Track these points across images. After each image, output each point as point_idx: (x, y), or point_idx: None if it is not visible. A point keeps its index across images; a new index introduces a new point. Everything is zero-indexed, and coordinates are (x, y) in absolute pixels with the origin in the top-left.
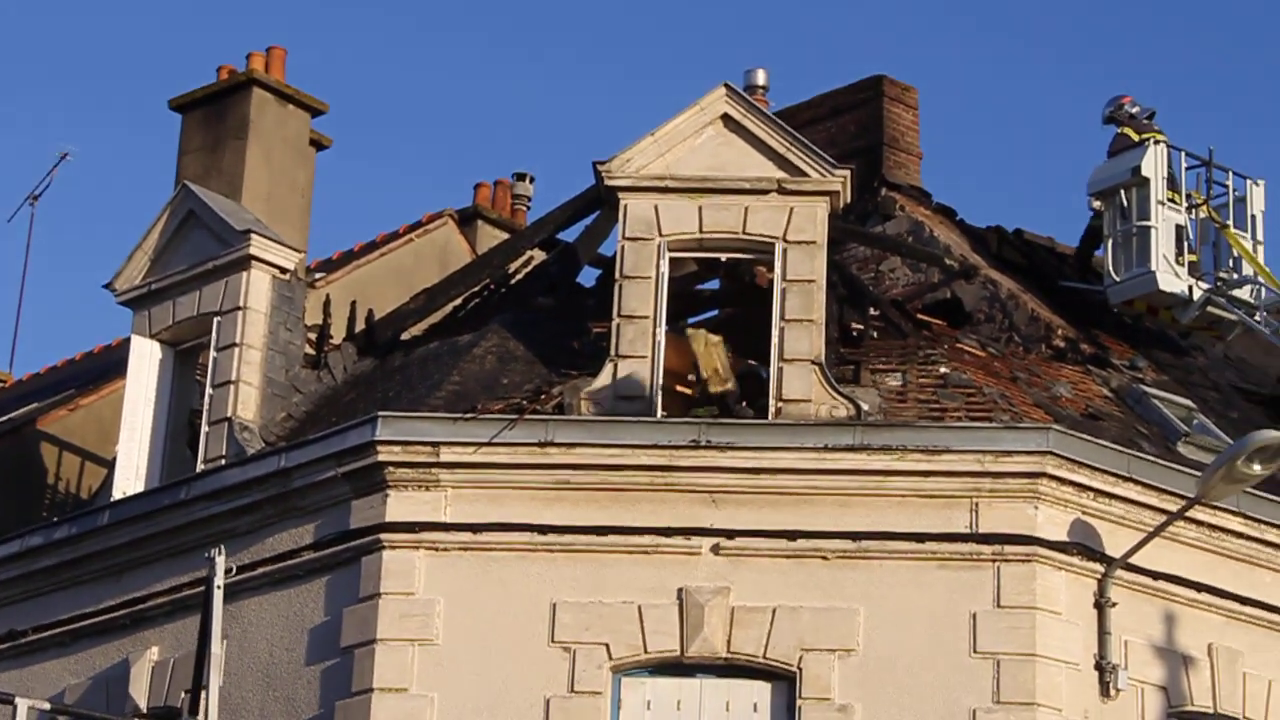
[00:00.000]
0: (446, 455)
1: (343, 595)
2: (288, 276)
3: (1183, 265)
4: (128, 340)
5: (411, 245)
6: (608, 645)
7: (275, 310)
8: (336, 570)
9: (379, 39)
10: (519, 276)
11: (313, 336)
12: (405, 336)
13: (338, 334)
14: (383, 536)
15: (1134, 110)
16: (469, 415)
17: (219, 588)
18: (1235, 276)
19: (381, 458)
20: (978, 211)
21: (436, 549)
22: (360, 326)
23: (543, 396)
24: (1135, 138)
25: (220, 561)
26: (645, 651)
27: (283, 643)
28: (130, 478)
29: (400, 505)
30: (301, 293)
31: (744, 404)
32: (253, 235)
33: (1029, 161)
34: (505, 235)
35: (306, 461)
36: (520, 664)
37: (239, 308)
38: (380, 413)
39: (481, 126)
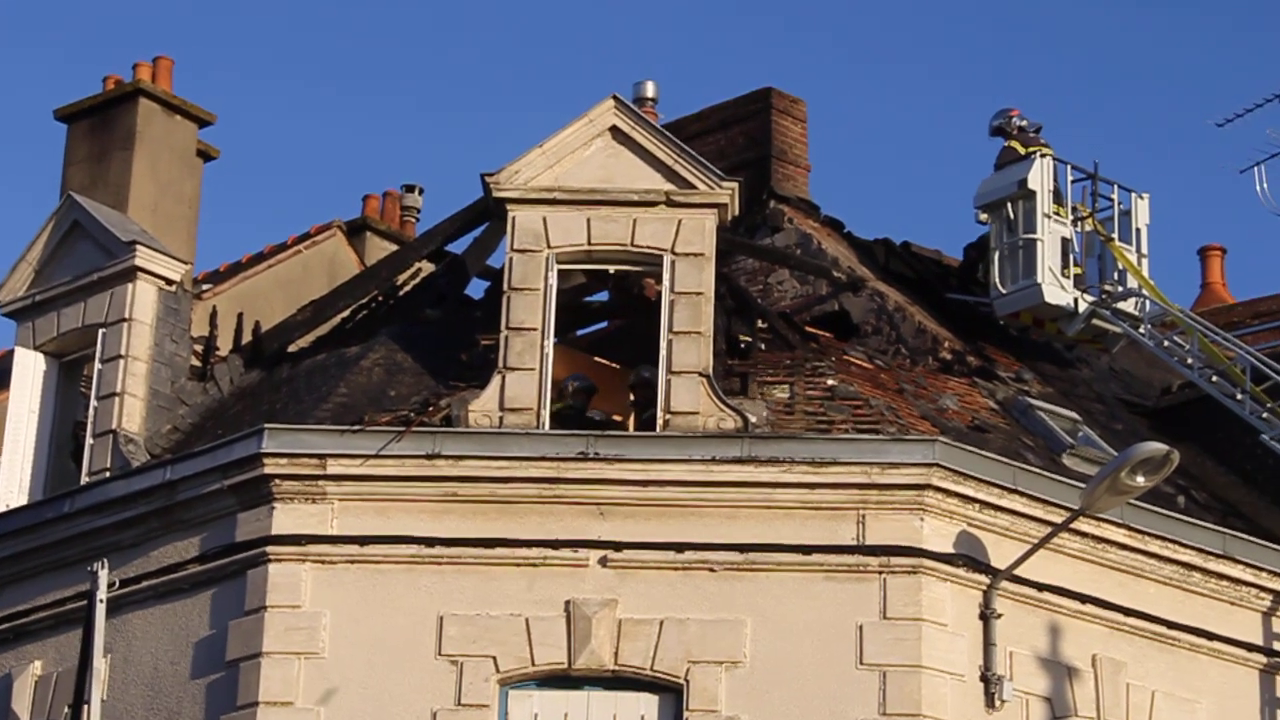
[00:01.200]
0: (333, 468)
1: (228, 608)
2: (174, 288)
3: (1068, 278)
4: (11, 352)
5: (299, 257)
6: (495, 658)
7: (161, 322)
8: (222, 583)
9: (267, 49)
10: (407, 288)
11: (199, 348)
12: (292, 348)
13: (224, 346)
14: (269, 549)
15: (1021, 123)
16: (356, 428)
17: (101, 601)
18: (1120, 289)
19: (268, 470)
20: (866, 224)
21: (323, 562)
22: (247, 338)
23: (430, 409)
24: (1021, 151)
25: (103, 575)
26: (532, 664)
27: (167, 656)
28: (13, 490)
29: (286, 518)
30: (188, 304)
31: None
32: (138, 246)
33: (917, 174)
34: (394, 247)
35: (192, 474)
36: (407, 677)
37: (124, 319)
38: (266, 425)
39: (370, 138)
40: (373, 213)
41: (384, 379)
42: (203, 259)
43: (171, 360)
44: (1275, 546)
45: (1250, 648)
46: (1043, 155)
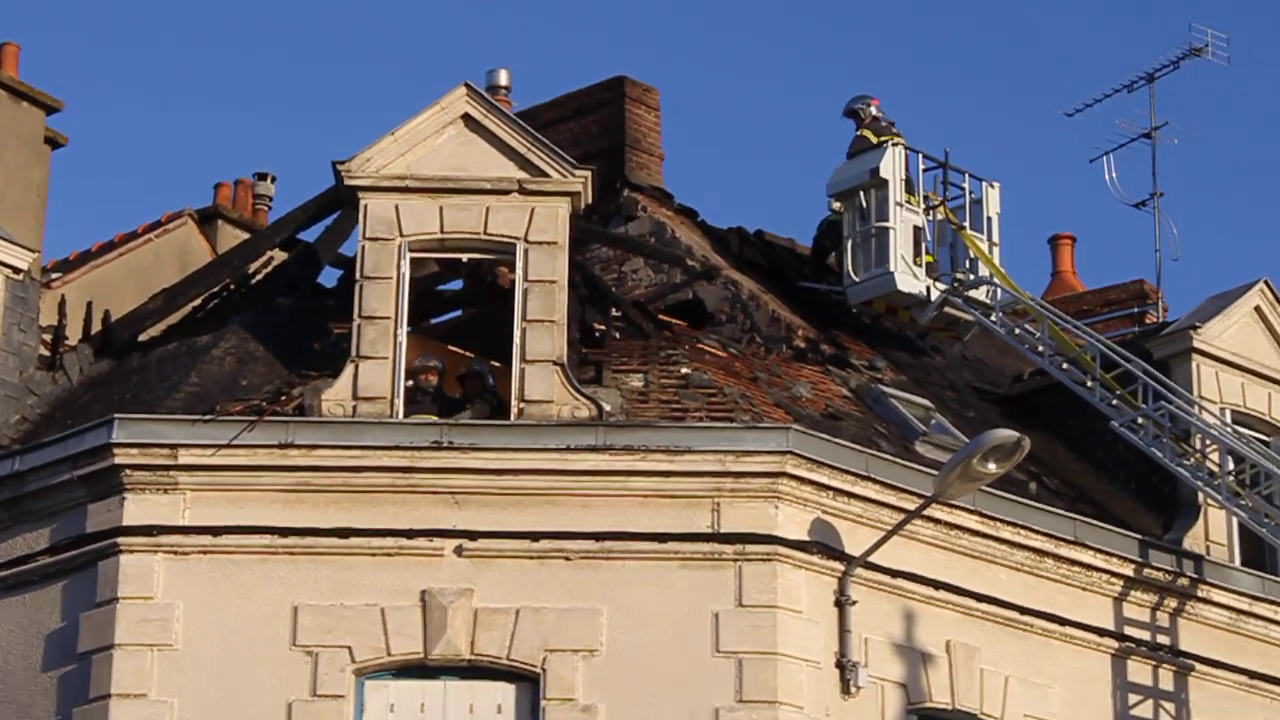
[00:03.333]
0: (185, 458)
1: (80, 600)
2: (21, 276)
3: (920, 266)
4: None
5: (151, 245)
6: (350, 648)
7: (9, 311)
8: (73, 575)
9: (117, 35)
10: (259, 277)
11: (48, 338)
12: (143, 337)
13: (74, 335)
14: (120, 540)
15: (877, 114)
16: (208, 417)
17: None
18: (971, 277)
19: (118, 460)
20: (719, 213)
21: (175, 552)
22: (97, 327)
23: (283, 398)
24: (874, 140)
25: None
26: (388, 654)
27: (17, 649)
28: None
29: (138, 508)
30: (36, 293)
31: (469, 404)
32: None
33: (770, 163)
34: (246, 235)
35: (41, 465)
36: (262, 668)
37: None
38: (117, 415)
39: (223, 126)
40: (225, 201)
41: (236, 368)
42: (52, 247)
43: (19, 350)
44: (1125, 532)
45: (1102, 632)
46: (895, 144)
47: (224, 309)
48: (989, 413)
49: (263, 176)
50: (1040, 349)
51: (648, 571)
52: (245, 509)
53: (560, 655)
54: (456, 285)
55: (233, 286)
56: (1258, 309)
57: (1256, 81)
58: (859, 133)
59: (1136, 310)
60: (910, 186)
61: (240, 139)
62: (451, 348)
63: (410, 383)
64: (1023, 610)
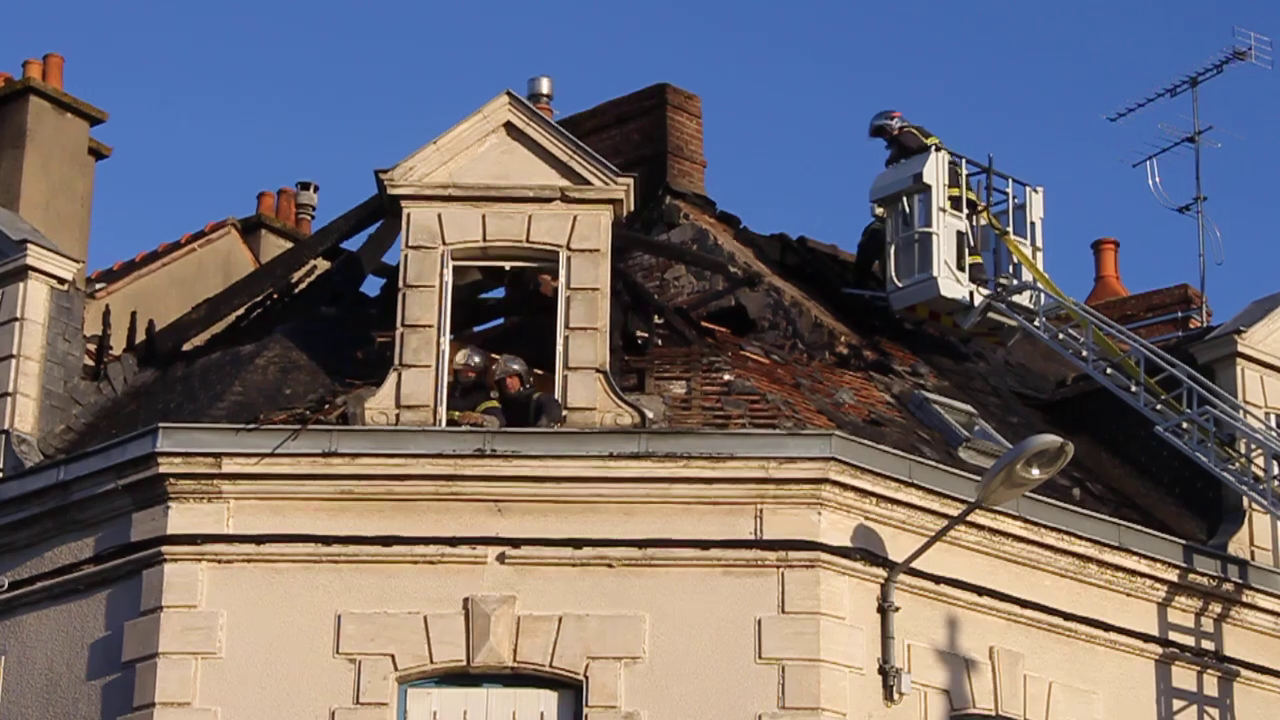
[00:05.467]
0: (229, 466)
1: (124, 609)
2: (66, 287)
3: (964, 271)
4: None
5: (194, 255)
6: (393, 656)
7: (53, 321)
8: (117, 583)
9: (160, 46)
10: (302, 286)
11: (92, 348)
12: (187, 347)
13: (118, 345)
14: (164, 549)
15: (903, 124)
16: (251, 426)
17: None
18: (1015, 282)
19: (162, 469)
20: (761, 219)
21: (219, 561)
22: (141, 337)
23: (326, 407)
24: (922, 136)
25: None
26: (431, 662)
27: (63, 658)
28: None
29: (182, 517)
30: (80, 303)
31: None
32: (29, 245)
33: (812, 169)
34: (289, 244)
35: (86, 474)
36: (305, 676)
37: (16, 319)
38: (161, 424)
39: (265, 135)
40: (268, 210)
41: (279, 377)
42: (96, 258)
43: (64, 360)
44: (1170, 538)
45: (1146, 638)
46: (938, 149)
47: (267, 318)
48: (1032, 418)
49: (305, 186)
50: (1084, 354)
51: (690, 578)
52: (289, 517)
53: (603, 663)
54: (499, 293)
55: (276, 296)
56: None
57: None
58: (904, 129)
59: (1180, 315)
60: (958, 184)
61: (283, 148)
62: (494, 356)
63: (452, 379)
64: (1067, 616)
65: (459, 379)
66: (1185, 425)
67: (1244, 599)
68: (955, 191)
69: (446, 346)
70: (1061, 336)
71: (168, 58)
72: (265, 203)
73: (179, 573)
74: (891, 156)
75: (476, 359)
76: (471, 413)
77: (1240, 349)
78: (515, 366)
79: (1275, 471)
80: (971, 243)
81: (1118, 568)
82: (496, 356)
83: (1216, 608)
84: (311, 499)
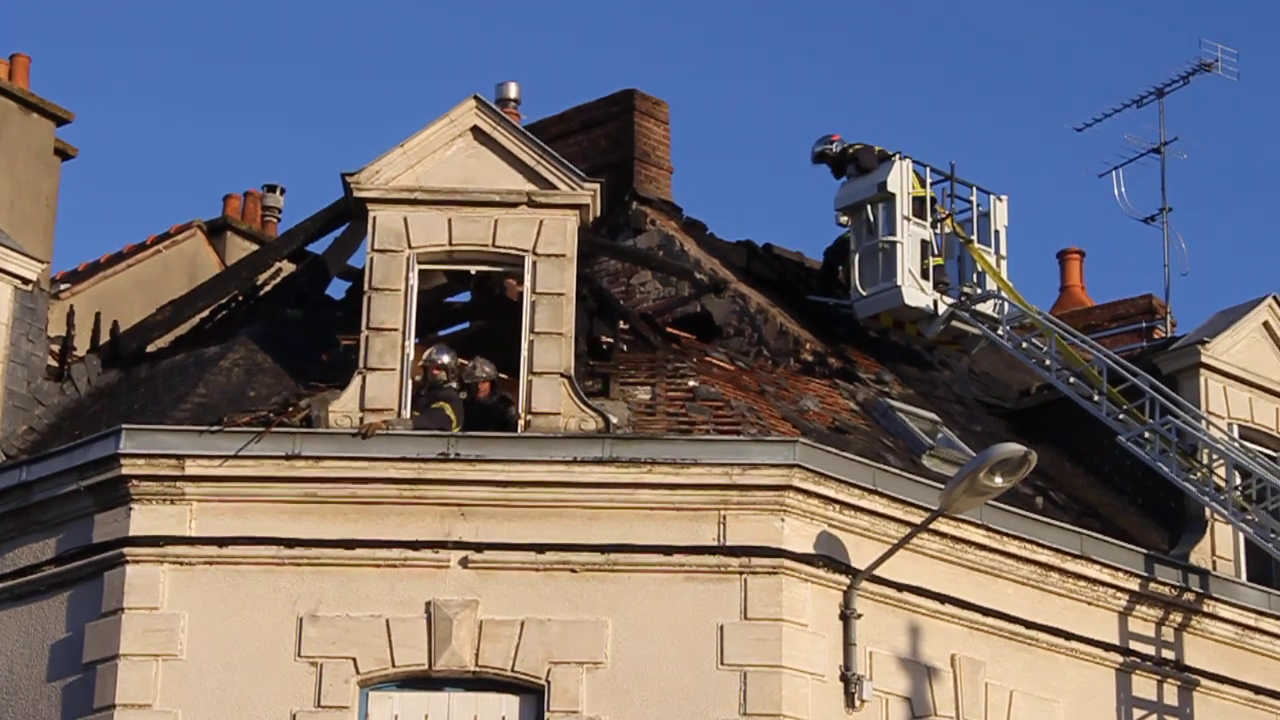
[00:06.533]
0: (192, 468)
1: (85, 610)
2: (30, 287)
3: (928, 280)
4: None
5: (159, 256)
6: (355, 659)
7: (17, 321)
8: (79, 585)
9: (126, 47)
10: (267, 288)
11: (56, 348)
12: (151, 349)
13: (82, 346)
14: (126, 550)
15: (842, 147)
16: (215, 428)
17: None
18: (979, 291)
19: (125, 471)
20: (728, 226)
21: (181, 563)
22: (105, 338)
23: (290, 409)
24: (876, 150)
25: None
26: (393, 665)
27: (23, 659)
28: None
29: (144, 519)
30: (44, 304)
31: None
32: None
33: (779, 177)
34: (254, 247)
35: (48, 475)
36: (266, 679)
37: None
38: (124, 425)
39: (232, 137)
40: (233, 212)
41: (243, 379)
42: (61, 258)
43: (28, 360)
44: (1131, 547)
45: (1107, 647)
46: (903, 157)
47: (232, 320)
48: (996, 427)
49: (271, 188)
50: (1048, 363)
51: (653, 584)
52: (251, 520)
53: (565, 667)
54: (464, 297)
55: (241, 298)
56: (1266, 324)
57: (1266, 97)
58: (853, 149)
59: (1145, 325)
60: (919, 201)
61: (249, 151)
62: (459, 360)
63: (419, 377)
64: (1028, 624)
65: (428, 376)
66: (1148, 435)
67: (1205, 609)
68: (920, 192)
69: (411, 350)
70: (1025, 345)
71: (135, 59)
72: (231, 205)
73: (141, 574)
74: (852, 174)
75: (445, 358)
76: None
77: (1204, 360)
78: (487, 370)
79: (1237, 482)
80: (935, 250)
81: (1079, 576)
82: (466, 361)
83: (1177, 617)
84: (274, 501)
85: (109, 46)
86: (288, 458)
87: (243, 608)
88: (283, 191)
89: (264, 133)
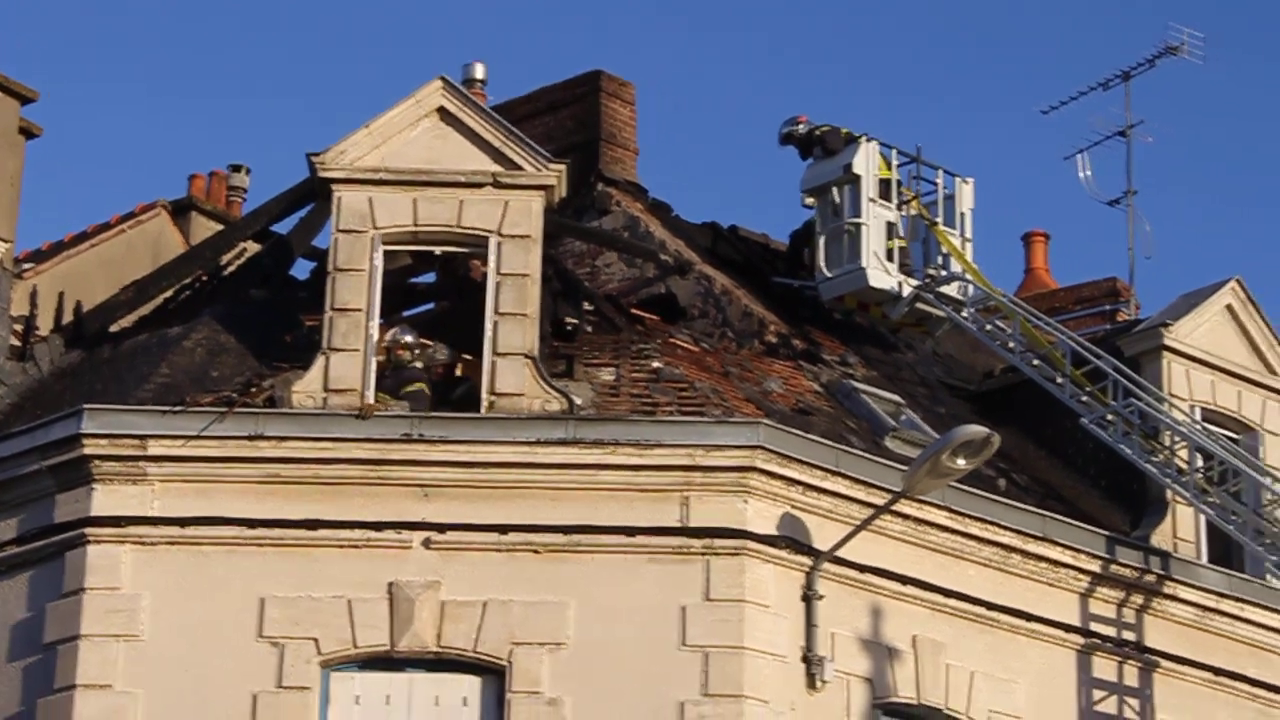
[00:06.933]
0: (154, 448)
1: (46, 590)
2: None
3: (893, 262)
4: None
5: (123, 236)
6: (317, 640)
7: None
8: (40, 565)
9: (91, 25)
10: (232, 268)
11: (19, 328)
12: (114, 328)
13: (45, 325)
14: (88, 531)
15: (809, 128)
16: (178, 408)
17: None
18: (944, 273)
19: (87, 451)
20: (693, 208)
21: (143, 543)
22: (68, 318)
23: (253, 390)
24: (843, 132)
25: None
26: (355, 646)
27: None
28: None
29: (106, 499)
30: (8, 283)
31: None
32: None
33: (745, 158)
34: (219, 227)
35: (10, 455)
36: (228, 659)
37: None
38: (86, 405)
39: (196, 117)
40: (198, 192)
41: (207, 359)
42: (24, 238)
43: None
44: (1093, 529)
45: (1068, 628)
46: (869, 141)
47: (196, 300)
48: (959, 409)
49: (237, 168)
50: (1011, 345)
51: (616, 565)
52: (214, 500)
53: (527, 648)
54: (429, 278)
55: (205, 278)
56: (1229, 307)
57: (1232, 80)
58: (820, 131)
59: (1109, 308)
60: (884, 182)
61: (215, 131)
62: (423, 340)
63: (383, 357)
64: (990, 606)
65: (391, 357)
66: (1110, 417)
67: (1165, 590)
68: (886, 174)
69: (375, 331)
70: (989, 328)
71: (101, 38)
72: (196, 185)
73: (102, 555)
74: (818, 156)
75: (407, 338)
76: (389, 398)
77: (1167, 342)
78: (444, 354)
79: (1198, 464)
80: (900, 233)
81: (1041, 558)
82: (429, 342)
83: (1138, 599)
84: (237, 482)
85: (75, 25)
86: (250, 438)
87: (205, 588)
88: (248, 171)
89: (229, 113)
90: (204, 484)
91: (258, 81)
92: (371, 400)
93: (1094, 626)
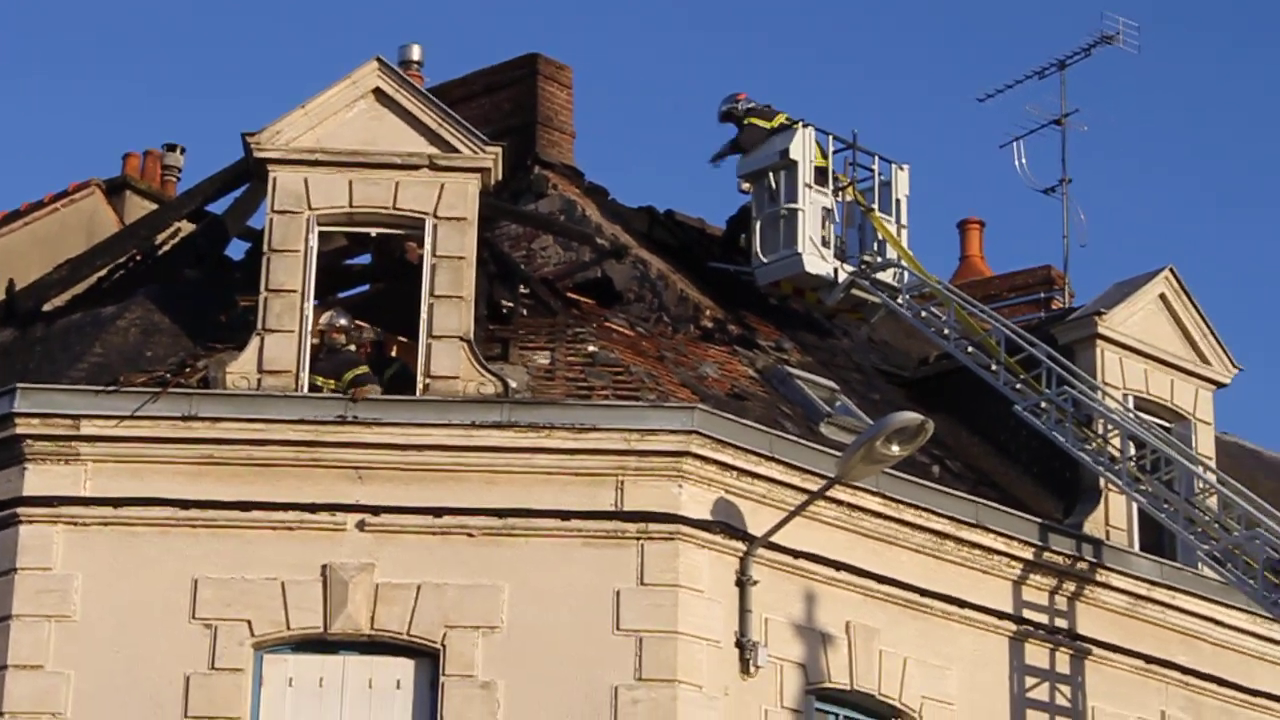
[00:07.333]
0: (87, 428)
1: None
2: None
3: (828, 248)
4: None
5: (57, 214)
6: (250, 622)
7: None
8: None
9: (25, 3)
10: (166, 248)
11: None
12: (48, 307)
13: None
14: (20, 510)
15: (750, 105)
16: (111, 388)
17: None
18: (879, 260)
19: (19, 430)
20: (630, 192)
21: (75, 524)
22: (1, 297)
23: (187, 370)
24: (764, 125)
25: None
26: (288, 628)
27: None
28: None
29: (38, 479)
30: None
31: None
32: None
33: (682, 142)
34: (154, 206)
35: None
36: (160, 641)
37: None
38: (19, 385)
39: (132, 96)
40: (133, 171)
41: (140, 339)
42: None
43: None
44: (1026, 516)
45: (1000, 615)
46: (805, 127)
47: (130, 280)
48: (894, 395)
49: (172, 148)
50: (946, 332)
51: (550, 549)
52: (147, 481)
53: (460, 631)
54: (365, 260)
55: (139, 257)
56: (1162, 296)
57: (1166, 70)
58: (747, 122)
59: (1043, 296)
60: (822, 172)
61: (150, 110)
62: (358, 322)
63: (317, 341)
64: (923, 592)
65: (325, 340)
66: (1044, 405)
67: (1098, 578)
68: (822, 163)
69: (310, 312)
70: (924, 314)
71: (34, 14)
72: (131, 164)
73: (34, 535)
74: (727, 146)
75: (341, 320)
76: (332, 381)
77: (1100, 330)
78: (368, 337)
79: (1131, 452)
80: (837, 219)
81: (974, 545)
82: (363, 324)
83: (1070, 586)
84: (170, 463)
85: (8, 3)
86: (184, 419)
87: (137, 569)
88: (183, 151)
89: (165, 92)
90: (137, 464)
91: (194, 61)
92: (310, 383)
93: (1026, 613)
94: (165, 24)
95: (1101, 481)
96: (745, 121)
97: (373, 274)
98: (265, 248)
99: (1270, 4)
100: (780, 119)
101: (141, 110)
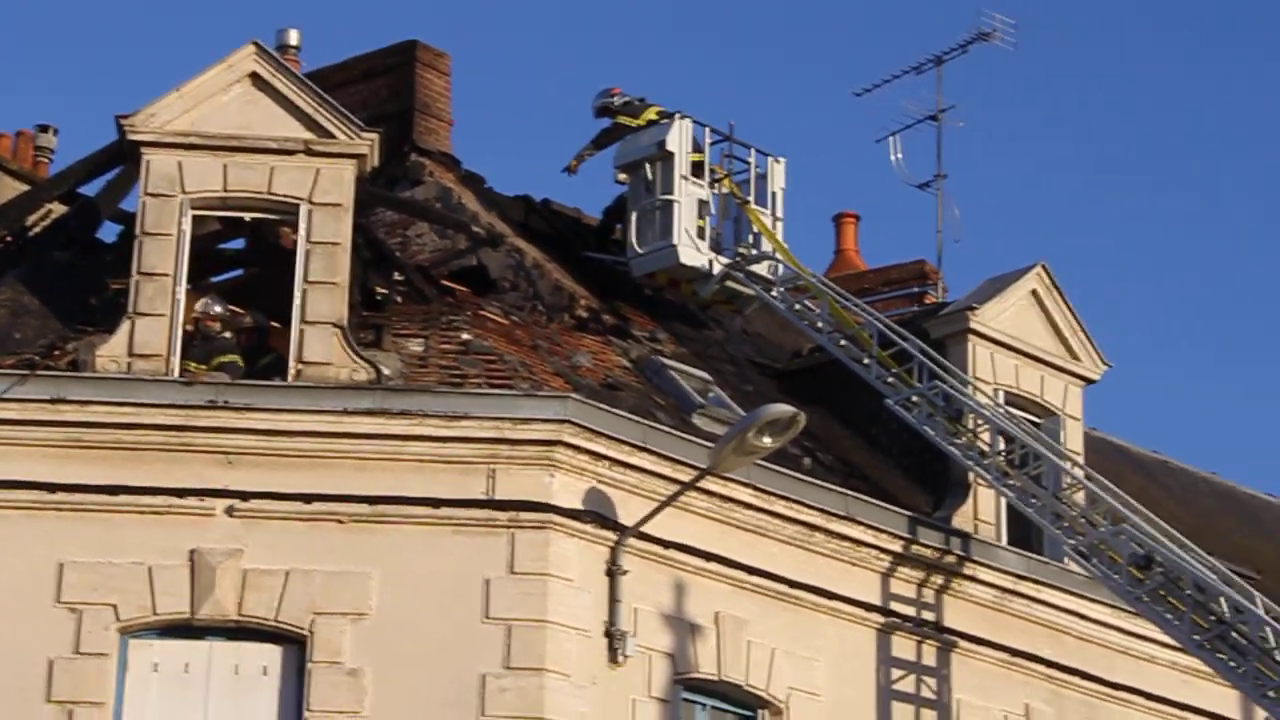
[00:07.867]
0: None
1: None
2: None
3: (704, 240)
4: None
5: None
6: (115, 606)
7: None
8: None
9: None
10: (37, 230)
11: None
12: None
13: None
14: None
15: (625, 99)
16: None
17: None
18: (754, 252)
19: None
20: (507, 180)
21: None
22: None
23: (56, 353)
24: (632, 123)
25: None
26: (154, 613)
27: None
28: None
29: None
30: None
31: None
32: None
33: (559, 132)
34: (25, 187)
35: None
36: (24, 624)
37: None
38: None
39: (3, 75)
40: (4, 151)
41: (9, 321)
42: None
43: None
44: (895, 509)
45: (868, 607)
46: (682, 119)
47: (0, 261)
48: (767, 387)
49: (44, 129)
50: (819, 325)
51: (420, 536)
52: (13, 463)
53: (328, 618)
54: (238, 244)
55: (9, 239)
56: (1034, 292)
57: (1042, 67)
58: (615, 120)
59: (916, 290)
60: (699, 163)
61: (22, 91)
62: (231, 307)
63: (191, 328)
64: (792, 584)
65: (199, 327)
66: (915, 399)
67: (965, 571)
68: (698, 157)
69: (183, 296)
70: (798, 307)
71: None
72: (2, 144)
73: None
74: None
75: (217, 308)
76: (203, 367)
77: (972, 325)
78: (248, 324)
79: (1000, 447)
80: (713, 211)
81: (844, 537)
82: (239, 311)
83: (938, 579)
84: (38, 445)
85: None
86: (52, 401)
87: (2, 552)
88: (56, 132)
89: (37, 72)
90: (3, 446)
91: (68, 41)
92: (182, 369)
93: (894, 606)
94: (40, 3)
95: (971, 476)
96: (615, 119)
97: (246, 259)
98: (138, 231)
99: (1145, 4)
100: (651, 113)
101: (13, 90)
